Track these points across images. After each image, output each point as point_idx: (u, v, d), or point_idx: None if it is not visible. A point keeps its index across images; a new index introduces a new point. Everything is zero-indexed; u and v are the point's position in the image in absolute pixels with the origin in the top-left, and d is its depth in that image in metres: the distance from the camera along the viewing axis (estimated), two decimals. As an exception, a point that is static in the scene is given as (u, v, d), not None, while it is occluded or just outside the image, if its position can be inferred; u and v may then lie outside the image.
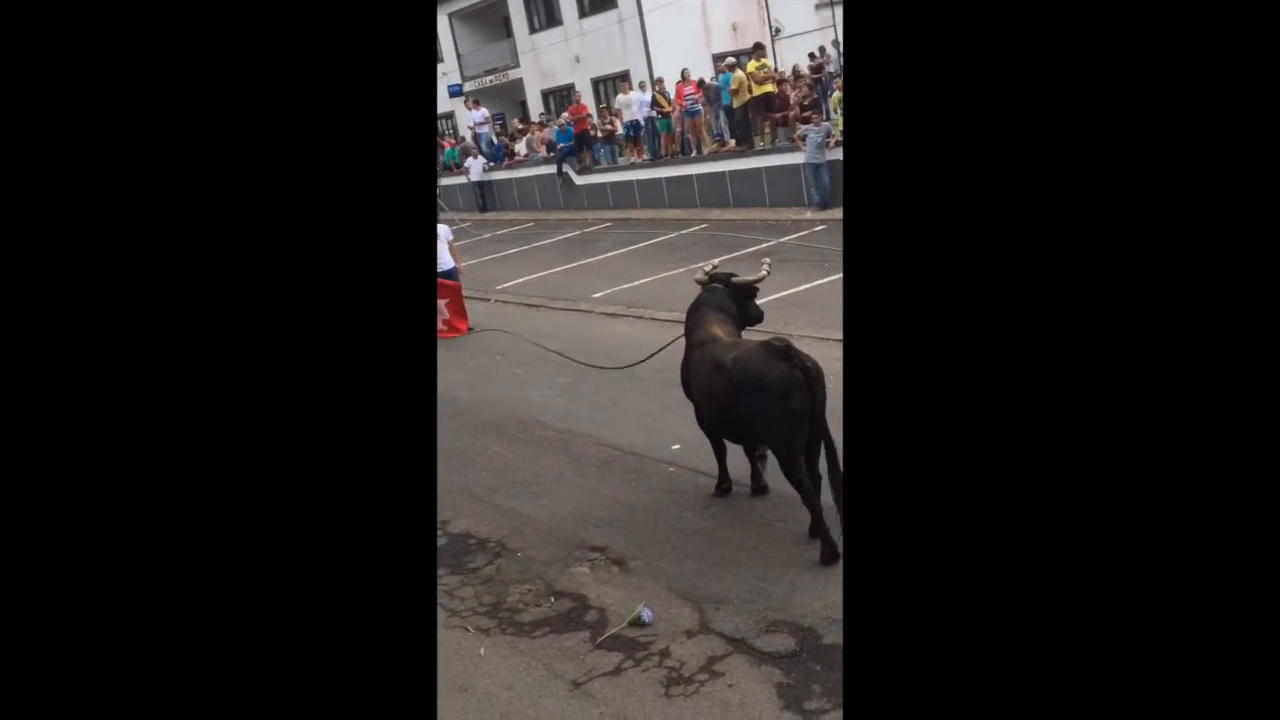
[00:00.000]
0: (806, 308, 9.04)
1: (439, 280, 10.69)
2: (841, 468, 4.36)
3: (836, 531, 4.36)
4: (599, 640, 4.22)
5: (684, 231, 14.80)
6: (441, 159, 23.01)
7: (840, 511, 4.37)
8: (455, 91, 28.88)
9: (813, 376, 4.43)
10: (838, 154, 13.45)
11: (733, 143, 16.17)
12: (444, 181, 22.38)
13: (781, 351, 4.50)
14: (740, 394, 4.63)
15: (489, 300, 11.87)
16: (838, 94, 13.55)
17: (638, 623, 4.26)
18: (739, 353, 4.72)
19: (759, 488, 5.19)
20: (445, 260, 10.64)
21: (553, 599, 4.65)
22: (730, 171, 15.84)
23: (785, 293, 9.70)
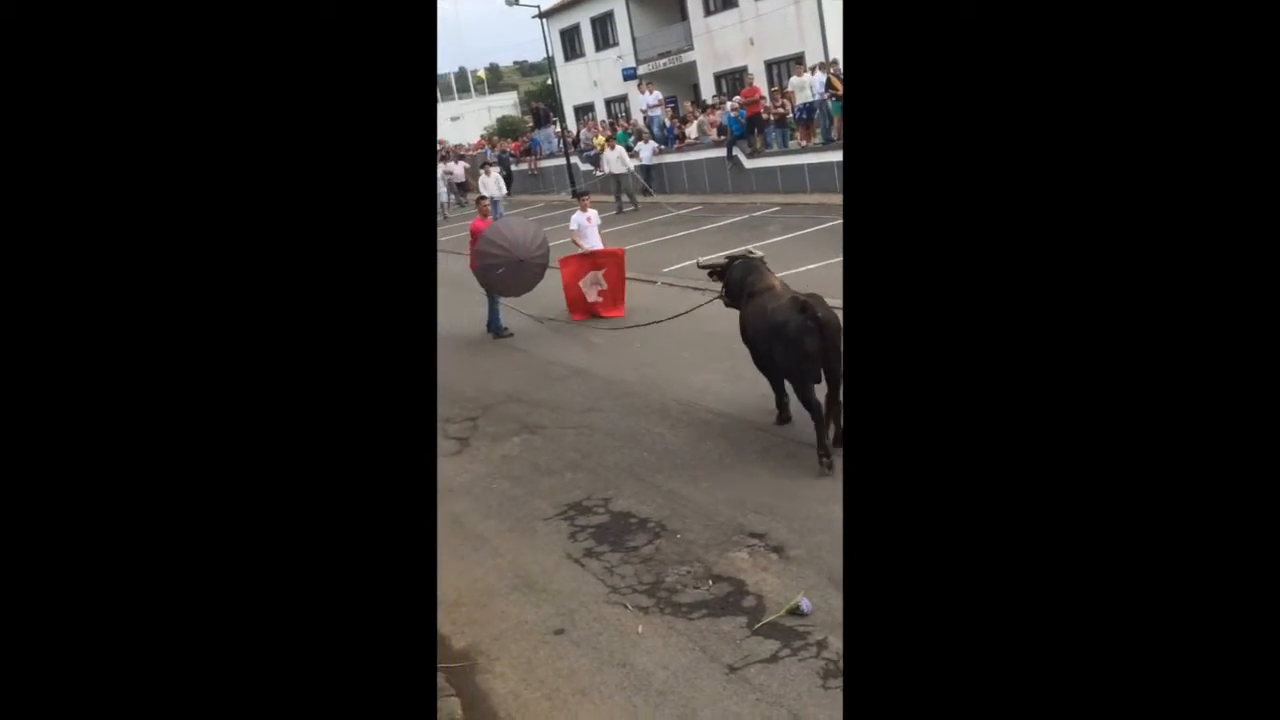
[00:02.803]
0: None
1: (602, 249, 11.10)
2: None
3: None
4: (756, 627, 4.22)
5: (854, 217, 14.47)
6: (615, 141, 23.33)
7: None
8: (629, 75, 29.17)
9: (824, 324, 5.63)
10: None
11: (909, 126, 15.68)
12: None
13: (803, 305, 5.71)
14: (772, 337, 5.96)
15: (655, 283, 11.96)
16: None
17: (796, 612, 4.24)
18: (776, 304, 6.03)
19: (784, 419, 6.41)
20: (595, 243, 11.28)
21: (711, 582, 4.67)
22: (905, 156, 15.37)
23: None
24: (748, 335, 6.45)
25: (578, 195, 13.18)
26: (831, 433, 5.74)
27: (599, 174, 23.27)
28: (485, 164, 22.97)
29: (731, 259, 6.95)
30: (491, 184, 20.77)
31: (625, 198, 20.16)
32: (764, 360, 6.32)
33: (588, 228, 11.34)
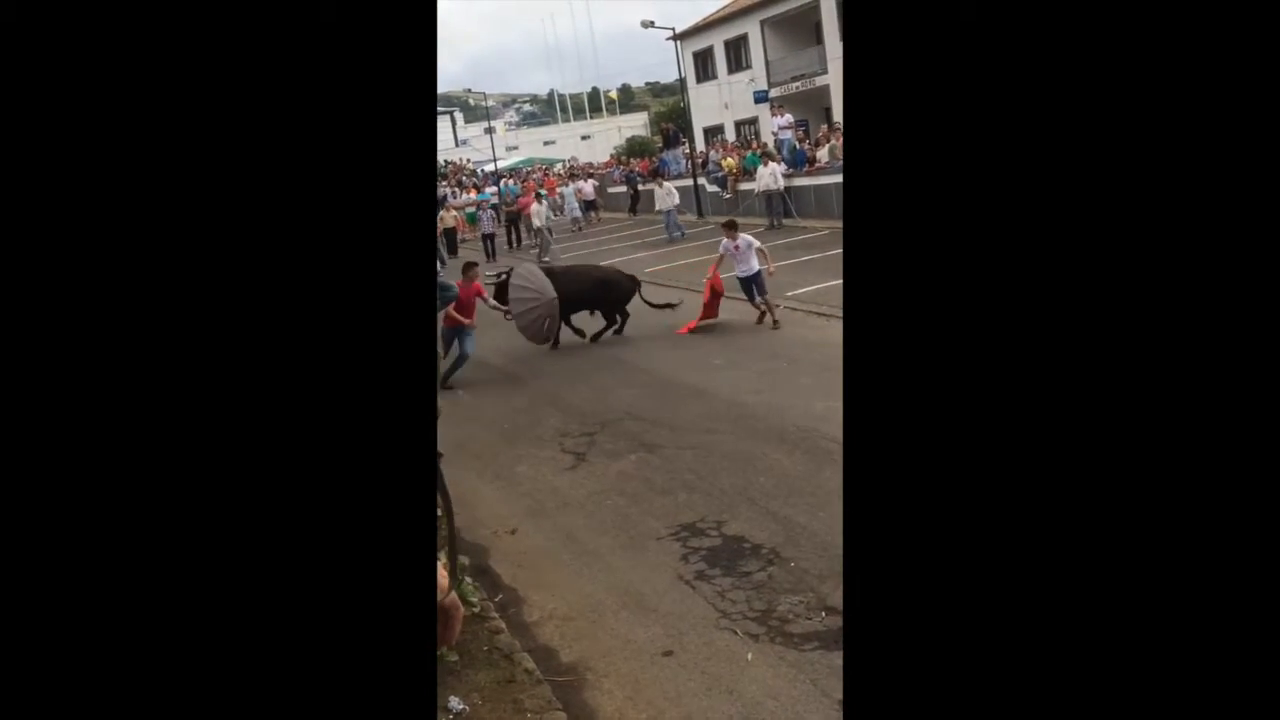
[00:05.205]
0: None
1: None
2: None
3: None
4: (870, 663, 4.09)
5: (988, 247, 14.06)
6: (740, 165, 23.31)
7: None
8: (761, 98, 29.12)
9: (633, 279, 11.64)
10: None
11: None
12: (744, 187, 22.70)
13: (628, 275, 11.66)
14: (605, 288, 11.56)
15: (778, 306, 11.85)
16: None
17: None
18: (601, 273, 11.97)
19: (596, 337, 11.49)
20: (752, 265, 11.18)
21: (824, 614, 4.56)
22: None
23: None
24: (563, 294, 10.88)
25: (725, 226, 12.58)
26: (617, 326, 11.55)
27: (727, 195, 23.26)
28: (660, 178, 23.55)
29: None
30: (664, 195, 21.27)
31: (777, 217, 20.15)
32: (579, 305, 11.36)
33: (735, 255, 11.21)
